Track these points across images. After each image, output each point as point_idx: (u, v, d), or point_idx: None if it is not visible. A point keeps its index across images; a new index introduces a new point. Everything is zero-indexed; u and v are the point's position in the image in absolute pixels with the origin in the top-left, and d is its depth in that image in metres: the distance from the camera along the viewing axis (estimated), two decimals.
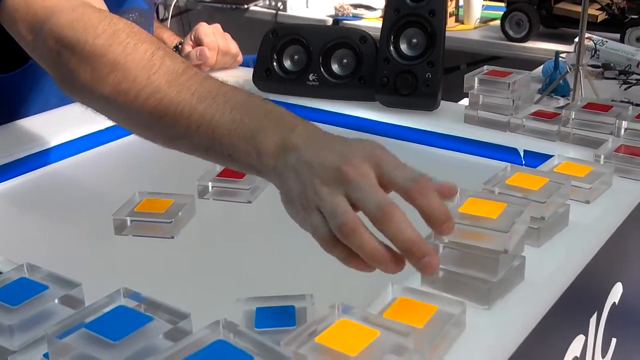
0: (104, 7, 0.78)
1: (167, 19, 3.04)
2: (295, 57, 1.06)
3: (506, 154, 0.91)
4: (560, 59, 2.03)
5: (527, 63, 2.29)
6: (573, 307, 0.68)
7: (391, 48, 0.98)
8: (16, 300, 0.54)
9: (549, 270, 0.65)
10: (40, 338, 0.51)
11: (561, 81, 1.93)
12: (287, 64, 1.06)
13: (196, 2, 2.93)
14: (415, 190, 0.54)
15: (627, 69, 2.08)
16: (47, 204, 0.85)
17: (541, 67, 2.12)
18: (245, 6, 2.79)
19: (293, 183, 0.57)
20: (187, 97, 0.64)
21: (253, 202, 0.82)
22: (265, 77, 1.07)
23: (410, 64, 0.97)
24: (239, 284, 0.69)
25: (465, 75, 0.95)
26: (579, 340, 0.70)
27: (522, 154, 0.91)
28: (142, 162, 0.93)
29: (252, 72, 1.09)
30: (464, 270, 0.60)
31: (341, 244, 0.54)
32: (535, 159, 0.88)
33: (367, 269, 0.54)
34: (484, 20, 2.56)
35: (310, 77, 1.04)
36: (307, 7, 2.73)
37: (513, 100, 0.92)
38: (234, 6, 2.82)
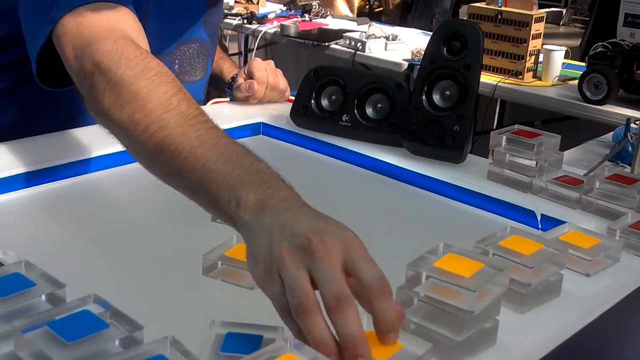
0: (145, 45, 0.84)
1: (252, 49, 3.16)
2: (333, 97, 1.09)
3: (524, 215, 0.90)
4: (633, 125, 1.97)
5: (603, 127, 2.22)
6: None
7: (423, 97, 0.99)
8: (3, 292, 0.58)
9: (527, 337, 0.64)
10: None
11: (630, 149, 1.87)
12: (324, 103, 1.09)
13: (281, 36, 3.02)
14: (377, 291, 0.55)
15: None
16: (76, 209, 0.91)
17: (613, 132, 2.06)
18: (327, 44, 2.86)
19: (262, 241, 0.58)
20: (189, 140, 0.67)
21: None
22: (302, 113, 1.10)
23: (440, 115, 0.98)
24: (238, 309, 0.71)
25: (491, 133, 0.95)
26: None
27: (539, 218, 0.89)
28: (152, 190, 0.97)
29: None
30: (431, 325, 0.60)
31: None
32: (552, 225, 0.86)
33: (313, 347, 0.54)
34: (563, 79, 2.51)
35: (344, 117, 1.06)
36: (385, 49, 2.77)
37: (537, 162, 0.91)
38: (315, 43, 2.90)
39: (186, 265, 0.77)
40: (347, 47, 2.80)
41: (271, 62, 1.25)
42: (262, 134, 1.17)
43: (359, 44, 2.76)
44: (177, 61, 1.17)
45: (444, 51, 0.99)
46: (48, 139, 1.04)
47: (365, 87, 1.05)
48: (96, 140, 1.01)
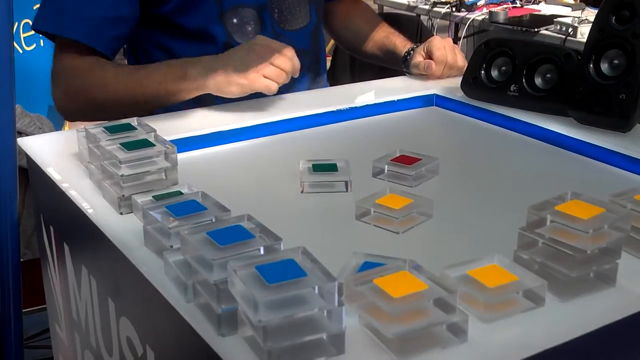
0: None
1: (460, 38, 3.18)
2: (503, 68, 1.12)
3: None
4: None
5: None
6: None
7: (590, 66, 0.99)
8: (180, 213, 0.73)
9: None
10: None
11: None
12: (494, 73, 1.12)
13: (489, 23, 3.01)
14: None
15: None
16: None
17: None
18: (536, 29, 2.80)
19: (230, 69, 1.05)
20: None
21: (414, 187, 0.91)
22: (471, 84, 1.14)
23: (607, 84, 0.97)
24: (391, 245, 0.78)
25: None
26: None
27: None
28: (325, 148, 1.09)
29: None
30: (550, 263, 0.64)
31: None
32: None
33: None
34: None
35: (512, 87, 1.09)
36: None
37: None
38: (524, 29, 2.85)
39: (343, 212, 0.85)
40: (557, 33, 2.72)
41: (450, 40, 1.29)
42: (435, 105, 1.23)
43: (570, 29, 2.67)
44: (276, 10, 1.23)
45: (613, 20, 0.98)
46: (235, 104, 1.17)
47: (534, 57, 1.07)
48: (274, 108, 1.15)
